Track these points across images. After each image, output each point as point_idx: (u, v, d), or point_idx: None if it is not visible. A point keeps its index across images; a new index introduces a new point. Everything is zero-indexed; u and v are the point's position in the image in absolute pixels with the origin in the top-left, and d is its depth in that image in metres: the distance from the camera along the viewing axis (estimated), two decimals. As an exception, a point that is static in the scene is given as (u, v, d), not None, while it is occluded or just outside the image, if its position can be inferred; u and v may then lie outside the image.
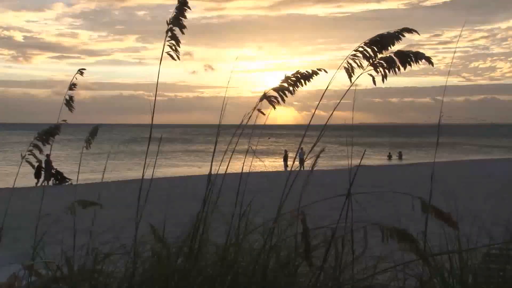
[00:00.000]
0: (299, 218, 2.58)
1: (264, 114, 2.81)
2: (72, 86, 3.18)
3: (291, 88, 2.74)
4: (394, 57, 2.44)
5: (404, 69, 2.45)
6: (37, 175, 30.43)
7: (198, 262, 2.78)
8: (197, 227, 2.83)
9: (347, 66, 2.50)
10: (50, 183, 31.27)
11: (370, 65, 2.48)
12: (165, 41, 2.86)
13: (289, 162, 37.94)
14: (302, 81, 2.73)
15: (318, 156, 2.80)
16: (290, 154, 42.21)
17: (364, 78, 2.54)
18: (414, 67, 2.45)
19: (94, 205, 3.07)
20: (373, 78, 2.48)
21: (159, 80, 2.95)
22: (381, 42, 2.44)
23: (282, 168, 38.73)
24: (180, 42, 2.87)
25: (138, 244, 2.94)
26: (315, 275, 2.69)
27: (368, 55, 2.47)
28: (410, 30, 2.46)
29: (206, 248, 2.89)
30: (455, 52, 2.94)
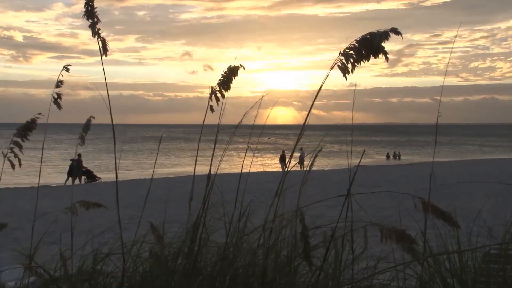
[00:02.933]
0: (298, 218, 2.59)
1: (213, 111, 2.95)
2: (59, 83, 3.16)
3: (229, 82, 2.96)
4: (359, 46, 2.44)
5: (368, 60, 2.45)
6: (70, 173, 31.34)
7: (197, 262, 2.78)
8: (196, 227, 2.83)
9: (341, 65, 2.48)
10: (82, 181, 32.16)
11: (342, 55, 2.48)
12: (98, 38, 2.85)
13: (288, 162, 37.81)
14: (232, 76, 2.97)
15: (316, 155, 2.80)
16: (288, 155, 42.09)
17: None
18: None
19: (97, 206, 3.07)
20: (344, 73, 2.47)
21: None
22: (370, 40, 2.43)
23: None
24: (99, 35, 2.85)
25: (137, 244, 2.94)
26: (315, 275, 2.69)
27: (360, 52, 2.46)
28: (397, 32, 2.45)
29: (205, 248, 2.89)
30: (451, 52, 2.93)
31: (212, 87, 2.95)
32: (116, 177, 2.95)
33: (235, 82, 2.96)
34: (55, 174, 32.91)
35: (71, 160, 31.83)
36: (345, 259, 2.74)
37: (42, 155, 3.10)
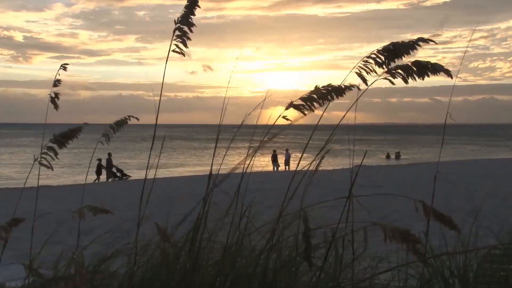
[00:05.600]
0: (301, 218, 2.58)
1: (290, 119, 2.65)
2: (57, 82, 3.11)
3: (320, 100, 2.56)
4: (412, 66, 2.40)
5: (422, 79, 2.40)
6: (98, 172, 32.10)
7: (198, 262, 2.78)
8: (197, 227, 2.83)
9: (358, 71, 2.48)
10: (110, 179, 33.05)
11: (387, 72, 2.45)
12: (172, 39, 2.80)
13: (280, 163, 38.04)
14: (333, 94, 2.54)
15: (323, 157, 2.79)
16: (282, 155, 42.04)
17: (368, 80, 2.53)
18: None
19: (104, 212, 3.06)
20: (391, 81, 2.44)
21: (159, 81, 2.91)
22: (393, 50, 2.42)
23: (283, 168, 38.54)
24: (188, 39, 2.80)
25: (139, 244, 2.94)
26: (316, 275, 2.69)
27: (380, 61, 2.45)
28: (425, 40, 2.43)
29: (207, 248, 2.89)
30: (465, 52, 2.92)
31: (292, 102, 2.60)
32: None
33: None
34: (77, 175, 33.43)
35: (98, 160, 32.59)
36: (346, 259, 2.73)
37: (40, 154, 3.08)
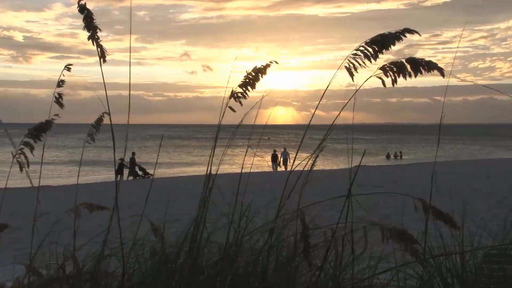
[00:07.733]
0: (299, 218, 2.59)
1: (234, 111, 2.95)
2: (60, 83, 3.14)
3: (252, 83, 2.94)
4: (406, 63, 2.41)
5: (415, 76, 2.41)
6: (119, 172, 32.45)
7: (198, 262, 2.78)
8: (197, 227, 2.83)
9: (348, 66, 2.49)
10: (130, 178, 33.46)
11: (380, 68, 2.45)
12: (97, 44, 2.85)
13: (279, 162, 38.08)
14: (260, 75, 2.96)
15: (317, 156, 2.80)
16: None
17: (364, 78, 2.53)
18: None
19: (100, 209, 3.06)
20: (383, 81, 2.44)
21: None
22: (381, 41, 2.43)
23: (283, 168, 38.56)
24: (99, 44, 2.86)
25: (137, 243, 2.95)
26: (315, 275, 2.69)
27: (369, 54, 2.46)
28: (411, 31, 2.45)
29: (206, 248, 2.89)
30: (456, 52, 2.93)
31: (232, 90, 2.94)
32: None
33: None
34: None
35: (120, 159, 33.11)
36: (345, 259, 2.74)
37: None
